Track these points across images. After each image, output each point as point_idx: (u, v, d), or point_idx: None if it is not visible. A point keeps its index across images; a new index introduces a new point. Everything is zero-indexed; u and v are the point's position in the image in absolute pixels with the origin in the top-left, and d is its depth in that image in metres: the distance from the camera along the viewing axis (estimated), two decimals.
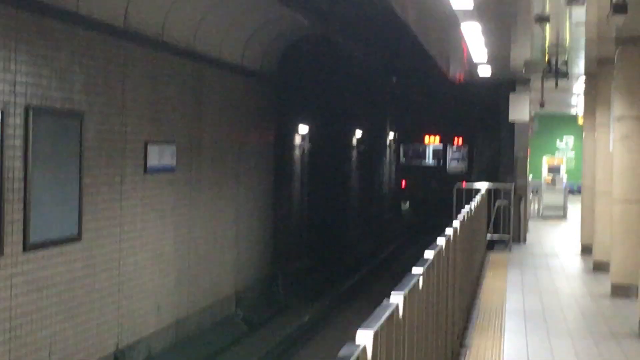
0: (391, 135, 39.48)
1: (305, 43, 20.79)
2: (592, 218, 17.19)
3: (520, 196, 21.89)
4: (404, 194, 36.59)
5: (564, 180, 30.01)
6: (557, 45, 15.21)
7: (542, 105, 20.35)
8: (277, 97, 19.87)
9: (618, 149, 13.55)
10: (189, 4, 13.98)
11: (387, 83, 31.29)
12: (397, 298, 4.48)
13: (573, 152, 40.97)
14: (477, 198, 14.49)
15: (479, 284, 14.65)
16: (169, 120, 13.84)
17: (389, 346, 4.08)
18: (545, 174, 30.11)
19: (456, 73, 22.30)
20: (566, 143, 42.09)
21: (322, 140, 25.81)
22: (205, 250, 15.43)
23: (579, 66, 18.39)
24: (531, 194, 29.47)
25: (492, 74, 20.37)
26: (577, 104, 30.02)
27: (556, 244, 21.52)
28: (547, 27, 12.79)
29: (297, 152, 23.25)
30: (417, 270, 5.44)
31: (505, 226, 20.50)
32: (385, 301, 4.32)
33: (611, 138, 14.25)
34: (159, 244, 13.44)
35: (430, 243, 6.89)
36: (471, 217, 11.78)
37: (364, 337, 3.53)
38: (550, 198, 29.37)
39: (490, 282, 15.00)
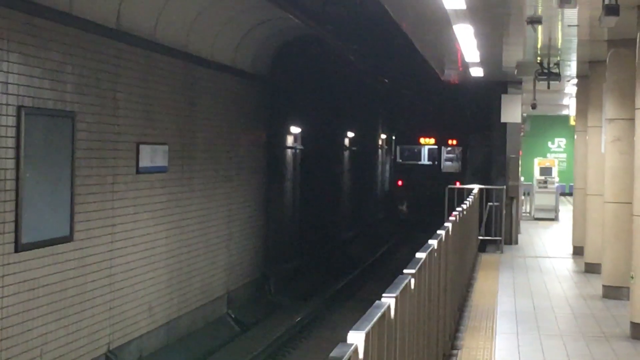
0: (383, 135, 39.63)
1: (298, 44, 20.79)
2: (584, 220, 17.23)
3: (512, 198, 21.93)
4: (401, 191, 36.91)
5: (556, 182, 30.07)
6: (549, 47, 15.23)
7: (534, 107, 20.39)
8: (270, 98, 19.88)
9: (610, 151, 13.58)
10: (181, 5, 13.97)
11: (380, 84, 31.30)
12: (388, 299, 4.49)
13: (565, 154, 41.05)
14: (469, 199, 14.50)
15: (470, 285, 14.67)
16: (161, 120, 13.83)
17: (380, 347, 4.08)
18: (537, 176, 30.17)
19: (450, 74, 22.31)
20: (558, 145, 42.17)
21: (315, 141, 25.81)
22: (197, 250, 15.42)
23: (571, 68, 18.43)
24: (523, 195, 29.54)
25: (484, 75, 20.40)
26: (569, 105, 30.09)
27: (548, 245, 21.56)
28: (539, 28, 12.81)
29: (289, 153, 23.25)
30: (408, 271, 5.45)
31: (497, 228, 20.53)
32: (377, 302, 4.33)
33: (603, 140, 14.28)
34: (151, 244, 13.42)
35: (422, 244, 6.90)
36: (463, 218, 11.79)
37: (356, 338, 3.53)
38: (542, 200, 29.43)
39: (481, 284, 15.02)
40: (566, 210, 29.78)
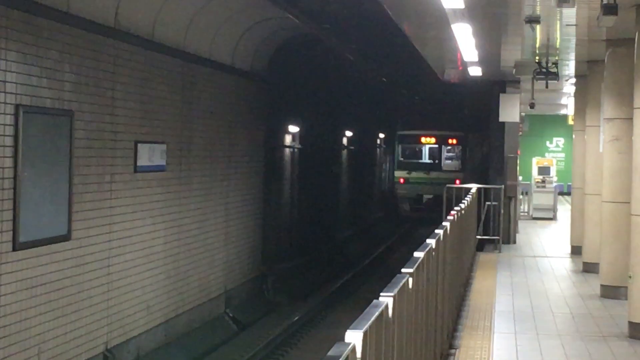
0: (381, 135, 39.72)
1: (297, 43, 20.78)
2: (582, 219, 17.22)
3: (510, 197, 21.93)
4: (402, 188, 37.15)
5: (554, 182, 30.07)
6: (548, 47, 15.23)
7: (532, 106, 20.39)
8: (268, 97, 19.87)
9: (608, 151, 13.58)
10: (179, 3, 13.97)
11: (379, 83, 31.31)
12: (386, 298, 4.49)
13: (563, 154, 41.05)
14: (467, 199, 14.51)
15: (468, 284, 14.67)
16: (159, 119, 13.82)
17: (378, 346, 4.08)
18: (535, 175, 30.18)
19: (449, 74, 22.31)
20: (556, 144, 42.17)
21: (313, 140, 25.81)
22: (195, 249, 15.42)
23: (569, 67, 18.43)
24: (521, 195, 29.55)
25: (482, 74, 20.39)
26: (567, 105, 30.10)
27: (546, 245, 21.56)
28: (538, 28, 12.81)
29: (287, 152, 23.25)
30: (406, 270, 5.45)
31: (495, 227, 20.53)
32: (374, 301, 4.33)
33: (601, 139, 14.28)
34: (149, 243, 13.42)
35: (420, 243, 6.90)
36: (461, 217, 11.80)
37: (354, 337, 3.53)
38: (540, 199, 29.44)
39: (479, 283, 15.02)
40: (564, 210, 29.81)
